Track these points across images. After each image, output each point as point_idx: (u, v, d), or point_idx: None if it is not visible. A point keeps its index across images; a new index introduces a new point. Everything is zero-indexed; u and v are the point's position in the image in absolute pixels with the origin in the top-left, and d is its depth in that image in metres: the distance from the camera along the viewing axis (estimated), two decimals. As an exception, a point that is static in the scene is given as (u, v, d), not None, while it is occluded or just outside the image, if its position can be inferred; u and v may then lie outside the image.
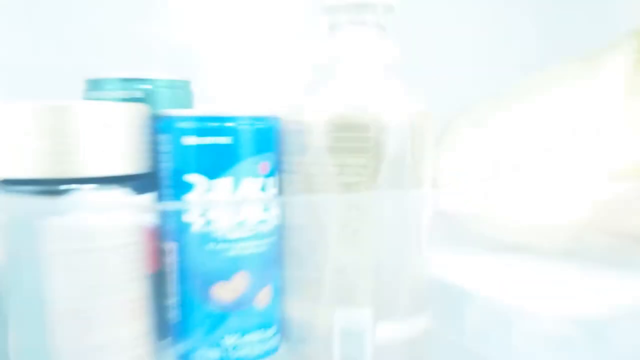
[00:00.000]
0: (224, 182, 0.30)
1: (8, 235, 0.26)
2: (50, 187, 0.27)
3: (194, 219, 0.30)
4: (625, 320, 0.30)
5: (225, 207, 0.30)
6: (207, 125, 0.30)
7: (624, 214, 0.33)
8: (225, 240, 0.30)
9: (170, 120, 0.30)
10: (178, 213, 0.30)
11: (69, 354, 0.27)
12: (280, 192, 0.33)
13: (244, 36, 0.52)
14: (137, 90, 0.35)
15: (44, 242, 0.26)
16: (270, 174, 0.32)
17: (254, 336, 0.32)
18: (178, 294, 0.31)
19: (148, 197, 0.30)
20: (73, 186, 0.27)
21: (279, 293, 0.33)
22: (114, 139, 0.28)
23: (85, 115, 0.27)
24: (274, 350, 0.33)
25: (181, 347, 0.31)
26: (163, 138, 0.30)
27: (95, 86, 0.36)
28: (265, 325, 0.32)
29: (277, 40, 0.50)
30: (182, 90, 0.37)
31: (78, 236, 0.26)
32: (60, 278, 0.26)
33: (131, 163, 0.29)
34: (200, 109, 0.30)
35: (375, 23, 0.32)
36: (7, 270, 0.26)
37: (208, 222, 0.30)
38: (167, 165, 0.30)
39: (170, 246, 0.31)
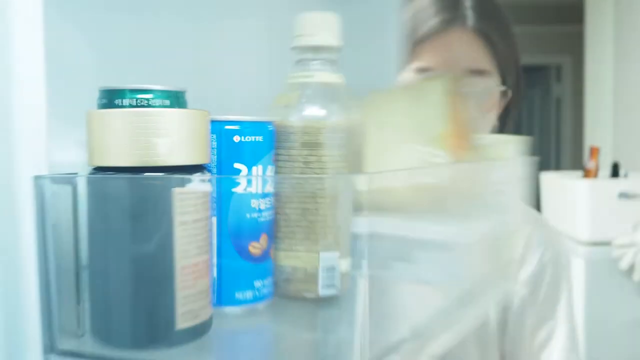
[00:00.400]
0: (258, 169, 0.42)
1: (148, 207, 0.35)
2: (139, 173, 0.36)
3: (240, 194, 0.41)
4: (474, 244, 0.50)
5: (259, 186, 0.42)
6: (249, 128, 0.42)
7: (460, 183, 0.53)
8: (257, 210, 0.42)
9: (221, 123, 0.41)
10: (230, 188, 0.41)
11: (184, 301, 0.36)
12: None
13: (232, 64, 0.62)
14: (139, 99, 0.44)
15: (172, 213, 0.35)
16: (274, 162, 0.45)
17: (268, 281, 0.44)
18: (218, 255, 0.42)
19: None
20: (158, 173, 0.36)
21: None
22: (192, 136, 0.38)
23: (169, 118, 0.37)
24: (273, 291, 0.46)
25: (224, 292, 0.42)
26: (212, 137, 0.41)
27: (106, 95, 0.44)
28: (271, 273, 0.45)
29: (258, 68, 0.62)
30: (179, 99, 0.46)
31: (192, 209, 0.36)
32: (182, 239, 0.36)
33: (203, 155, 0.39)
34: (240, 117, 0.42)
35: (328, 59, 0.47)
36: (136, 232, 0.35)
37: (248, 197, 0.42)
38: (215, 157, 0.41)
39: (213, 220, 0.41)
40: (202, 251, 0.37)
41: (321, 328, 0.44)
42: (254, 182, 0.42)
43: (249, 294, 0.43)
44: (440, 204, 0.53)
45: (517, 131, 0.96)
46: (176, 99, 0.44)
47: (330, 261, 0.45)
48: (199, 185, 0.36)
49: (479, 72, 0.79)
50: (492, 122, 0.85)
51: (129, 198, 0.35)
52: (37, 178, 0.36)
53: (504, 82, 0.83)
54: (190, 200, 0.36)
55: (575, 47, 3.55)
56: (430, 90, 0.57)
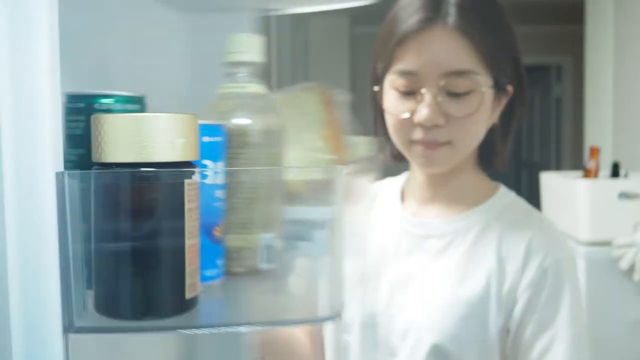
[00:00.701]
0: (220, 164, 0.50)
1: (159, 194, 0.41)
2: (136, 168, 0.41)
3: (209, 185, 0.48)
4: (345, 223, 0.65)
5: (221, 179, 0.49)
6: (214, 130, 0.49)
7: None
8: (219, 199, 0.50)
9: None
10: (202, 180, 0.47)
11: (190, 274, 0.43)
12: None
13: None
14: (102, 104, 0.48)
15: (184, 200, 0.42)
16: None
17: (223, 261, 0.52)
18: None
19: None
20: (154, 168, 0.41)
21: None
22: (188, 136, 0.42)
23: (162, 123, 0.42)
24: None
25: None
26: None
27: (73, 99, 0.48)
28: (224, 254, 0.52)
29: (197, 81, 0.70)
30: (138, 105, 0.50)
31: (193, 197, 0.43)
32: (188, 223, 0.42)
33: (195, 152, 0.44)
34: (207, 121, 0.48)
35: (253, 73, 0.56)
36: (159, 218, 0.41)
37: (214, 187, 0.49)
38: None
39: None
40: (197, 234, 0.44)
41: (268, 294, 0.54)
42: (218, 175, 0.49)
43: (214, 272, 0.50)
44: (320, 192, 0.59)
45: (518, 130, 0.94)
46: (142, 103, 0.51)
47: (268, 241, 0.54)
48: (198, 177, 0.43)
49: (461, 73, 0.76)
50: (486, 121, 0.81)
51: (153, 188, 0.41)
52: (58, 174, 0.39)
53: (497, 81, 0.79)
54: (193, 190, 0.43)
55: (575, 47, 3.56)
56: (306, 100, 0.67)
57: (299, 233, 0.53)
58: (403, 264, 0.85)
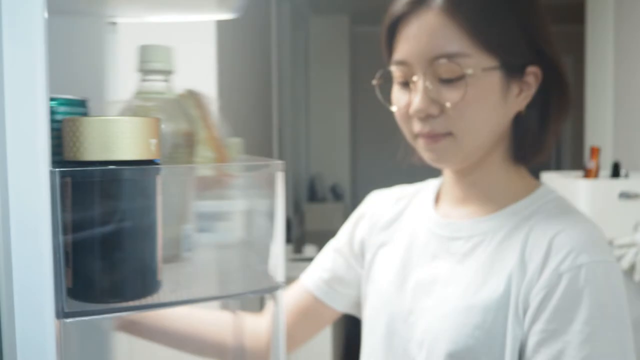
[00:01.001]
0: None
1: (131, 189, 0.46)
2: (103, 167, 0.46)
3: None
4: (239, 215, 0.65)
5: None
6: None
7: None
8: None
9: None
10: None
11: (159, 259, 0.49)
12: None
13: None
14: (51, 107, 0.50)
15: (157, 194, 0.47)
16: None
17: None
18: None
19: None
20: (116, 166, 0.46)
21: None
22: (155, 137, 0.47)
23: (128, 125, 0.46)
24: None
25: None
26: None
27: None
28: None
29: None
30: (83, 107, 0.53)
31: (160, 192, 0.47)
32: (159, 215, 0.48)
33: (158, 151, 0.48)
34: None
35: (165, 79, 0.63)
36: (141, 209, 0.46)
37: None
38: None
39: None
40: (161, 223, 0.49)
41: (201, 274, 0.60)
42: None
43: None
44: (212, 188, 0.66)
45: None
46: (86, 106, 0.54)
47: (188, 231, 0.61)
48: (168, 174, 0.49)
49: (450, 56, 0.71)
50: (496, 108, 0.74)
51: (134, 183, 0.45)
52: (52, 172, 0.42)
53: (504, 63, 0.73)
54: (160, 185, 0.48)
55: (575, 47, 3.56)
56: (183, 105, 0.71)
57: (203, 224, 0.62)
58: (427, 267, 0.80)
